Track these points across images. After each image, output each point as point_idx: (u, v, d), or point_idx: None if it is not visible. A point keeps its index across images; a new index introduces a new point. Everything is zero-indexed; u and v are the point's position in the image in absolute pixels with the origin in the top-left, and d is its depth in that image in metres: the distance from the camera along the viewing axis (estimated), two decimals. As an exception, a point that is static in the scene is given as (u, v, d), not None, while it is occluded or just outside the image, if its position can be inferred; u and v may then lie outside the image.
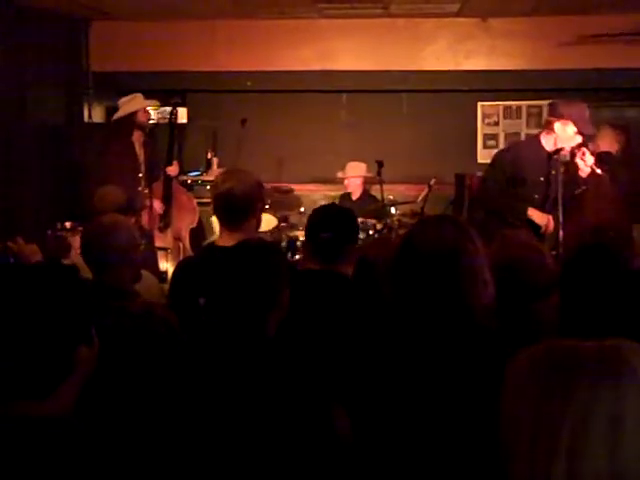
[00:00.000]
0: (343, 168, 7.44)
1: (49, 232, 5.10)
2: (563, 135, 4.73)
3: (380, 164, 6.81)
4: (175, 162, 6.23)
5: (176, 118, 6.33)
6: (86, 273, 2.92)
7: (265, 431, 1.74)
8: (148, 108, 6.49)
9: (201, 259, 3.40)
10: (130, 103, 6.41)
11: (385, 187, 6.83)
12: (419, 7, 7.10)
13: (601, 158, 5.73)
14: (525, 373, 1.20)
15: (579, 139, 4.74)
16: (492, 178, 5.01)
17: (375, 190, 7.28)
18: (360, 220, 6.55)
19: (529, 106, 8.14)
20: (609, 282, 2.65)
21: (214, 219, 4.76)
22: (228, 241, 3.06)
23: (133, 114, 6.36)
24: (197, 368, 1.93)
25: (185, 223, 6.31)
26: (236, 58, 7.74)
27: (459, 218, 2.31)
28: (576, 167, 4.77)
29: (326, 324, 2.67)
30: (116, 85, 7.61)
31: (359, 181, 7.39)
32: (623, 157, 6.00)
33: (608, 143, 5.91)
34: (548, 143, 4.79)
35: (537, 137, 4.93)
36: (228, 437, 1.75)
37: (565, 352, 1.19)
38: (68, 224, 5.01)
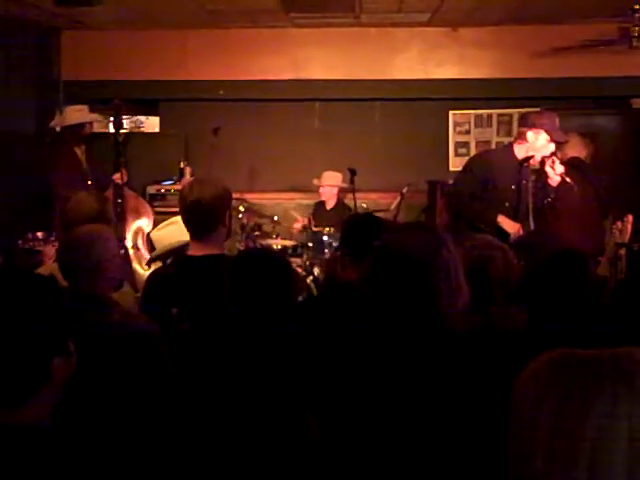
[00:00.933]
0: (317, 176, 7.45)
1: (20, 242, 5.06)
2: (536, 144, 4.77)
3: (353, 172, 6.84)
4: (122, 169, 6.20)
5: (119, 127, 6.31)
6: (61, 282, 2.91)
7: (241, 437, 1.75)
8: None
9: (172, 269, 3.40)
10: (81, 113, 6.43)
11: (358, 195, 6.87)
12: (390, 17, 7.15)
13: (572, 163, 5.81)
14: (538, 382, 1.15)
15: (552, 147, 4.78)
16: (464, 182, 5.01)
17: (348, 198, 7.32)
18: (332, 230, 6.62)
19: (499, 114, 8.23)
20: (576, 288, 2.69)
21: (154, 234, 4.75)
22: (198, 251, 3.08)
23: (82, 126, 6.37)
24: (178, 375, 1.94)
25: (139, 230, 6.25)
26: (208, 67, 7.75)
27: (434, 225, 2.33)
28: (546, 176, 4.82)
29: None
30: (87, 94, 7.57)
31: (334, 190, 7.41)
32: (592, 165, 6.08)
33: (576, 151, 5.99)
34: (520, 152, 4.83)
35: (510, 146, 4.97)
36: (207, 440, 1.76)
37: (582, 365, 1.13)
38: (40, 234, 4.97)
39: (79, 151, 6.39)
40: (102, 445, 1.73)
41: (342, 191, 7.45)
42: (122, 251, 5.35)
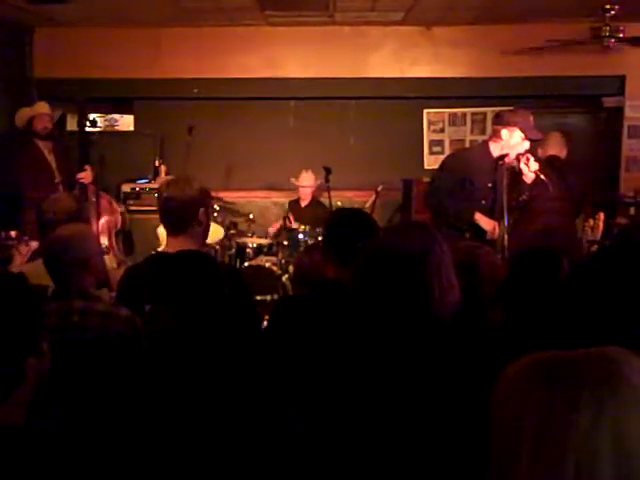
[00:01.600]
0: (292, 175, 7.46)
1: (-7, 241, 5.02)
2: (510, 141, 4.81)
3: (328, 170, 6.86)
4: (88, 167, 6.15)
5: (83, 125, 6.28)
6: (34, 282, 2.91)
7: (222, 431, 1.76)
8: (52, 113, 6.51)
9: (146, 266, 3.41)
10: (31, 108, 6.41)
11: (333, 194, 6.89)
12: (364, 15, 7.18)
13: (550, 161, 5.86)
14: (520, 390, 1.12)
15: (526, 145, 4.82)
16: (441, 181, 5.04)
17: (323, 197, 7.33)
18: (308, 228, 6.63)
19: (473, 113, 8.28)
20: (553, 285, 2.72)
21: (160, 230, 4.76)
22: (171, 247, 3.12)
23: (31, 123, 6.34)
24: (159, 368, 1.94)
25: (107, 228, 6.21)
26: (183, 65, 7.72)
27: (426, 223, 2.34)
28: (521, 173, 4.86)
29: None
30: (61, 92, 7.52)
31: (310, 189, 7.43)
32: (565, 163, 6.14)
33: (556, 148, 6.03)
34: (495, 150, 4.87)
35: (485, 144, 5.00)
36: (192, 436, 1.76)
37: (563, 371, 1.10)
38: (13, 233, 4.93)
39: (46, 150, 6.33)
40: (82, 442, 1.73)
41: (317, 189, 7.46)
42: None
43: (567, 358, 1.12)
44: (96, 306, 2.78)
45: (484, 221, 4.86)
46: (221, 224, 6.96)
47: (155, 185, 7.53)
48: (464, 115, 8.32)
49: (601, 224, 5.53)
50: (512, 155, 4.82)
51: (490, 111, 8.03)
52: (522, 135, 4.79)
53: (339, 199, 7.33)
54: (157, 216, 3.31)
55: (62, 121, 7.75)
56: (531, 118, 4.87)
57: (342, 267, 2.78)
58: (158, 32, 7.66)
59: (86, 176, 6.08)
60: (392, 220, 8.03)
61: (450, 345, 2.02)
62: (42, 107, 6.47)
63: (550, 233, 5.32)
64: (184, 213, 3.16)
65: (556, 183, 5.44)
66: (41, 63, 7.75)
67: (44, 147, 6.34)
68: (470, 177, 4.88)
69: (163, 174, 7.81)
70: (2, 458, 1.40)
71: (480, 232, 4.83)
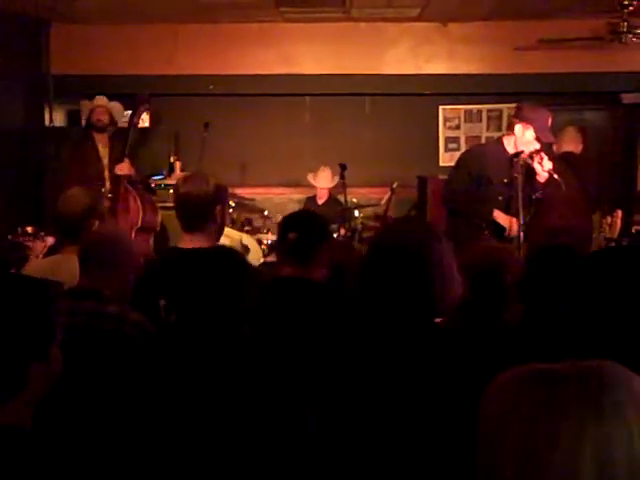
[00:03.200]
0: (308, 171, 7.45)
1: (9, 237, 5.04)
2: (521, 138, 4.78)
3: (343, 167, 6.84)
4: (126, 160, 6.16)
5: (134, 118, 6.30)
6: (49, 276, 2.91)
7: (240, 431, 1.75)
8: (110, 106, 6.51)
9: (161, 261, 3.42)
10: (84, 104, 6.45)
11: (348, 190, 6.87)
12: (380, 11, 7.15)
13: (565, 158, 5.82)
14: (505, 405, 1.11)
15: (537, 145, 4.79)
16: (457, 179, 5.02)
17: (338, 193, 7.32)
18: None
19: (489, 110, 8.24)
20: (570, 282, 2.70)
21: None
22: (187, 244, 3.11)
23: (89, 116, 6.38)
24: (170, 369, 1.93)
25: (127, 224, 6.20)
26: (198, 62, 7.72)
27: (425, 219, 2.38)
28: (534, 172, 4.84)
29: (301, 328, 2.69)
30: (77, 88, 7.54)
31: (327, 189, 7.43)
32: (582, 159, 6.10)
33: (572, 143, 5.99)
34: (509, 145, 4.85)
35: (500, 140, 4.98)
36: (203, 438, 1.75)
37: (549, 385, 1.09)
38: (30, 229, 4.96)
39: (101, 144, 6.36)
40: (88, 446, 1.72)
41: (333, 187, 7.45)
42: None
43: (554, 372, 1.11)
44: (107, 308, 2.75)
45: (502, 218, 4.84)
46: (236, 220, 6.96)
47: (170, 181, 7.54)
48: (480, 112, 8.28)
49: (619, 222, 5.49)
50: (526, 151, 4.79)
51: (506, 108, 7.99)
52: (534, 135, 4.76)
53: (354, 196, 7.31)
54: (172, 212, 3.31)
55: (77, 116, 7.77)
56: (549, 119, 4.83)
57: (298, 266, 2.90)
58: (174, 29, 7.66)
59: (123, 168, 6.11)
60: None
61: (455, 342, 2.02)
62: (99, 100, 6.53)
63: (565, 231, 5.28)
64: (200, 210, 3.14)
65: (571, 180, 5.40)
66: (57, 59, 7.77)
67: (99, 140, 6.38)
68: (486, 173, 4.86)
69: (178, 170, 7.83)
70: (7, 460, 1.38)
71: (498, 229, 4.81)
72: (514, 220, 4.77)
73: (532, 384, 1.11)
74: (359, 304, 2.13)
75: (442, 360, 1.96)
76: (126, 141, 6.20)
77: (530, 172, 4.87)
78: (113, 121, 6.53)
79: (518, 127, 4.78)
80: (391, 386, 1.93)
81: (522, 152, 4.74)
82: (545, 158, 4.79)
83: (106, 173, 6.25)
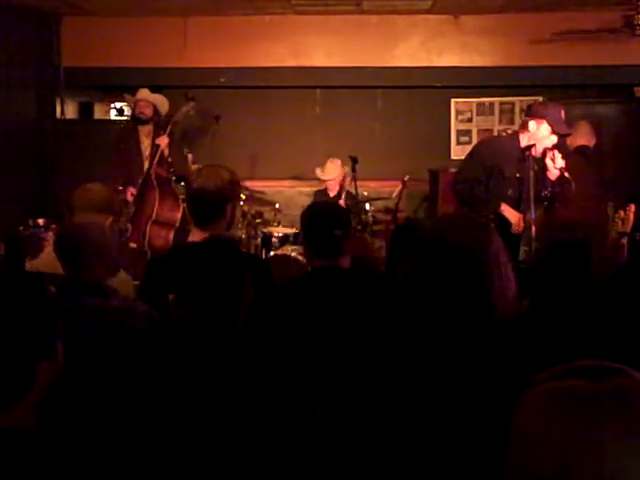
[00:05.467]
0: (319, 165, 7.43)
1: (21, 229, 5.06)
2: (537, 134, 4.75)
3: (354, 160, 6.82)
4: (164, 134, 6.18)
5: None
6: (59, 270, 2.91)
7: (247, 424, 1.74)
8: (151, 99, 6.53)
9: (171, 255, 3.41)
10: (128, 98, 6.48)
11: (359, 183, 6.85)
12: (392, 4, 7.12)
13: (579, 151, 5.78)
14: (538, 426, 1.09)
15: (554, 139, 4.76)
16: (469, 168, 4.98)
17: (350, 186, 7.29)
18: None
19: (502, 103, 8.20)
20: (580, 277, 2.68)
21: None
22: (198, 237, 3.09)
23: (133, 110, 6.42)
24: (177, 362, 1.92)
25: (144, 216, 6.17)
26: (209, 54, 7.72)
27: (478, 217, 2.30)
28: (546, 168, 4.80)
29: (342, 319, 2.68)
30: (88, 81, 7.55)
31: (336, 181, 7.40)
32: (595, 153, 6.06)
33: (585, 137, 5.95)
34: (524, 141, 4.82)
35: (516, 134, 4.95)
36: (211, 431, 1.74)
37: (583, 407, 1.06)
38: (41, 221, 4.97)
39: (144, 136, 6.39)
40: (95, 444, 1.71)
41: (344, 179, 7.43)
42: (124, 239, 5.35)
43: (588, 392, 1.07)
44: (111, 303, 2.73)
45: (509, 213, 4.80)
46: (247, 213, 6.96)
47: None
48: (492, 105, 8.24)
49: (632, 216, 5.44)
50: (539, 148, 4.76)
51: (518, 101, 7.95)
52: (549, 129, 4.73)
53: (365, 189, 7.29)
54: (183, 204, 3.29)
55: (88, 109, 7.78)
56: (562, 112, 4.80)
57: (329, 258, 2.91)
58: (185, 21, 7.65)
59: (163, 140, 6.13)
60: (418, 211, 7.98)
61: (511, 341, 1.97)
62: (140, 93, 6.54)
63: (579, 225, 5.25)
64: (213, 206, 3.12)
65: (586, 173, 5.37)
66: (69, 52, 7.78)
67: (142, 132, 6.41)
68: (499, 166, 4.83)
69: (190, 163, 7.82)
70: (13, 463, 1.38)
71: (504, 223, 4.77)
72: (521, 217, 4.74)
73: (564, 407, 1.08)
74: (410, 299, 2.07)
75: (499, 357, 1.91)
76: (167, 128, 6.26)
77: (541, 169, 4.83)
78: (158, 113, 6.53)
79: (532, 123, 4.75)
80: (438, 381, 1.88)
81: (533, 145, 4.71)
82: (558, 156, 4.76)
83: (146, 165, 6.27)
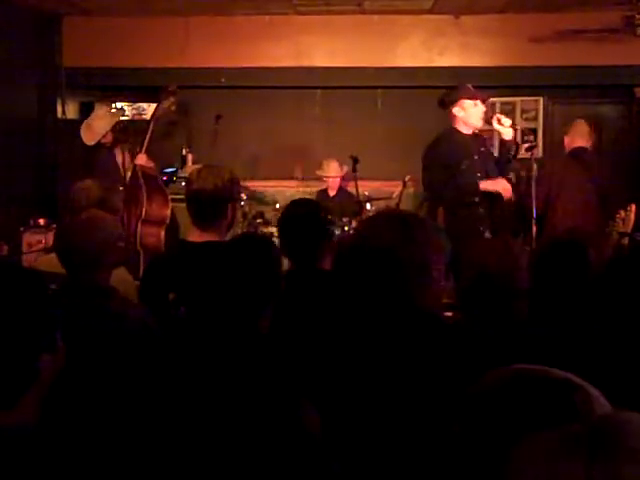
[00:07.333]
0: (319, 165, 7.44)
1: (22, 229, 5.07)
2: (466, 113, 4.86)
3: (355, 160, 6.82)
4: (141, 151, 6.15)
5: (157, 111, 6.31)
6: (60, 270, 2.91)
7: (238, 429, 1.74)
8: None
9: (171, 255, 3.41)
10: (98, 124, 6.39)
11: (360, 183, 6.85)
12: (393, 4, 7.13)
13: (574, 155, 5.78)
14: (538, 471, 1.01)
15: (482, 106, 4.88)
16: (433, 172, 5.03)
17: (350, 186, 7.30)
18: (335, 218, 6.59)
19: (503, 103, 8.19)
20: (579, 277, 2.68)
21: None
22: (198, 238, 3.09)
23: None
24: (174, 365, 1.92)
25: (134, 216, 6.16)
26: (210, 54, 7.72)
27: (412, 214, 2.21)
28: (498, 133, 4.92)
29: (301, 321, 2.68)
30: (89, 81, 7.56)
31: (337, 179, 7.42)
32: (595, 154, 6.05)
33: (582, 137, 5.93)
34: (464, 129, 4.92)
35: (453, 129, 5.09)
36: (205, 437, 1.74)
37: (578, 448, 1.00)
38: (42, 221, 4.98)
39: (117, 150, 6.36)
40: (95, 443, 1.71)
41: (344, 179, 7.44)
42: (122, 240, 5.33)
43: (582, 433, 1.00)
44: (109, 305, 2.71)
45: (491, 184, 4.88)
46: (247, 213, 6.96)
47: (182, 174, 7.54)
48: (493, 105, 8.22)
49: (632, 216, 5.44)
50: (478, 123, 4.85)
51: (519, 101, 7.96)
52: (471, 102, 4.83)
53: (366, 189, 7.29)
54: (183, 204, 3.29)
55: (89, 109, 7.78)
56: (469, 85, 5.05)
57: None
58: (186, 21, 7.66)
59: (142, 158, 6.11)
60: (419, 211, 7.97)
61: (444, 339, 1.95)
62: (107, 118, 6.52)
63: (576, 230, 5.25)
64: (213, 207, 3.11)
65: (581, 177, 5.39)
66: (70, 52, 7.78)
67: (116, 152, 6.39)
68: (455, 157, 4.88)
69: (190, 162, 7.83)
70: (15, 460, 1.38)
71: (493, 200, 4.82)
72: (503, 180, 4.82)
73: (569, 459, 1.00)
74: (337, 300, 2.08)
75: (416, 351, 1.90)
76: (146, 133, 6.20)
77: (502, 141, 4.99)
78: (120, 130, 6.50)
79: (456, 109, 4.90)
80: (364, 380, 1.87)
81: (477, 129, 4.92)
82: (502, 117, 4.88)
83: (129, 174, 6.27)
